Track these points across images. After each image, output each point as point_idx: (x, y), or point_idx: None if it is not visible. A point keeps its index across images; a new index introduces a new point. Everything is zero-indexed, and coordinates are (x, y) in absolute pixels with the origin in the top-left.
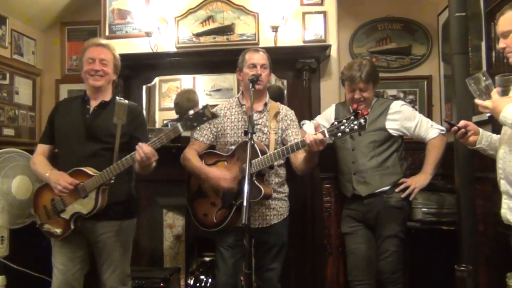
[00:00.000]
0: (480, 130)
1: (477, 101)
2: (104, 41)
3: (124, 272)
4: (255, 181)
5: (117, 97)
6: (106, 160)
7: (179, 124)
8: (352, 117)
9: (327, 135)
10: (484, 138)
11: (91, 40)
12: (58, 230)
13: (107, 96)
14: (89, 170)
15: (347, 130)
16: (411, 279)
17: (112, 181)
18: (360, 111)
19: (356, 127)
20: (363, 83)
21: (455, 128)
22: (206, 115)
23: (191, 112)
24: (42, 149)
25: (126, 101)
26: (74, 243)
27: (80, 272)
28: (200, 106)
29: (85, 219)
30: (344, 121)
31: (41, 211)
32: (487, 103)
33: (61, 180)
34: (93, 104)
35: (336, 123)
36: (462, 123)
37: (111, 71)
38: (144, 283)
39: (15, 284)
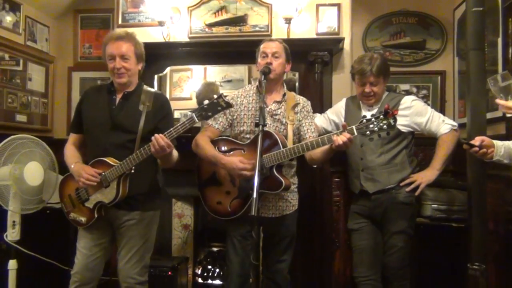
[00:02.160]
0: (494, 141)
1: (499, 101)
2: (122, 32)
3: (141, 262)
4: (275, 173)
5: (144, 85)
6: (130, 151)
7: (194, 114)
8: (382, 116)
9: (355, 133)
10: (498, 149)
11: (109, 34)
12: (83, 219)
13: (132, 87)
14: (110, 160)
15: (376, 129)
16: (419, 275)
17: (132, 171)
18: (390, 111)
19: (385, 126)
20: (373, 77)
21: (475, 149)
22: (221, 105)
23: (206, 101)
24: (73, 138)
25: (153, 89)
26: (99, 230)
27: (101, 259)
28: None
29: (109, 207)
30: (374, 119)
31: (67, 200)
32: (511, 103)
33: (83, 172)
34: (119, 95)
35: (365, 121)
36: (478, 139)
37: (134, 64)
38: (153, 272)
39: (26, 268)
